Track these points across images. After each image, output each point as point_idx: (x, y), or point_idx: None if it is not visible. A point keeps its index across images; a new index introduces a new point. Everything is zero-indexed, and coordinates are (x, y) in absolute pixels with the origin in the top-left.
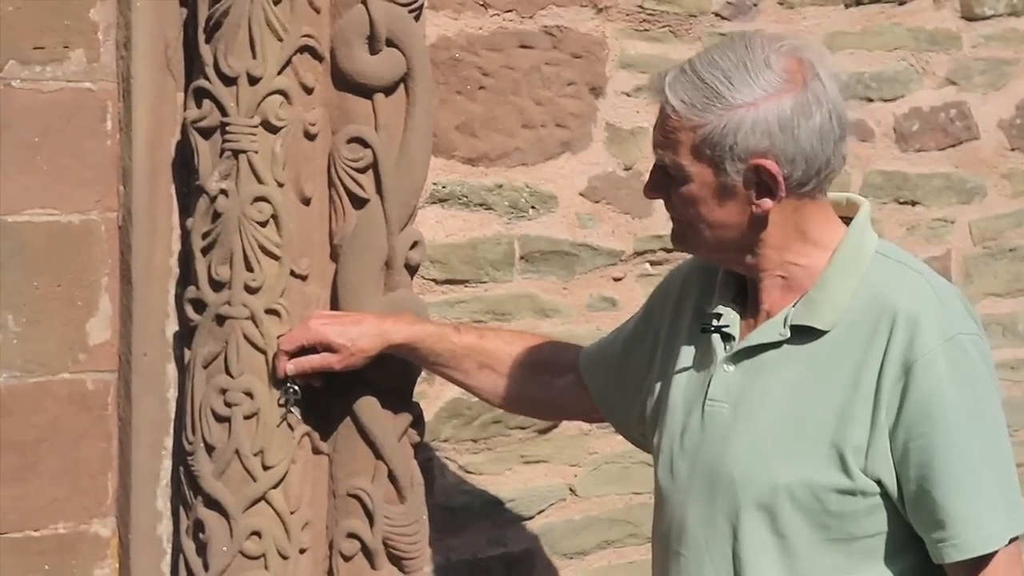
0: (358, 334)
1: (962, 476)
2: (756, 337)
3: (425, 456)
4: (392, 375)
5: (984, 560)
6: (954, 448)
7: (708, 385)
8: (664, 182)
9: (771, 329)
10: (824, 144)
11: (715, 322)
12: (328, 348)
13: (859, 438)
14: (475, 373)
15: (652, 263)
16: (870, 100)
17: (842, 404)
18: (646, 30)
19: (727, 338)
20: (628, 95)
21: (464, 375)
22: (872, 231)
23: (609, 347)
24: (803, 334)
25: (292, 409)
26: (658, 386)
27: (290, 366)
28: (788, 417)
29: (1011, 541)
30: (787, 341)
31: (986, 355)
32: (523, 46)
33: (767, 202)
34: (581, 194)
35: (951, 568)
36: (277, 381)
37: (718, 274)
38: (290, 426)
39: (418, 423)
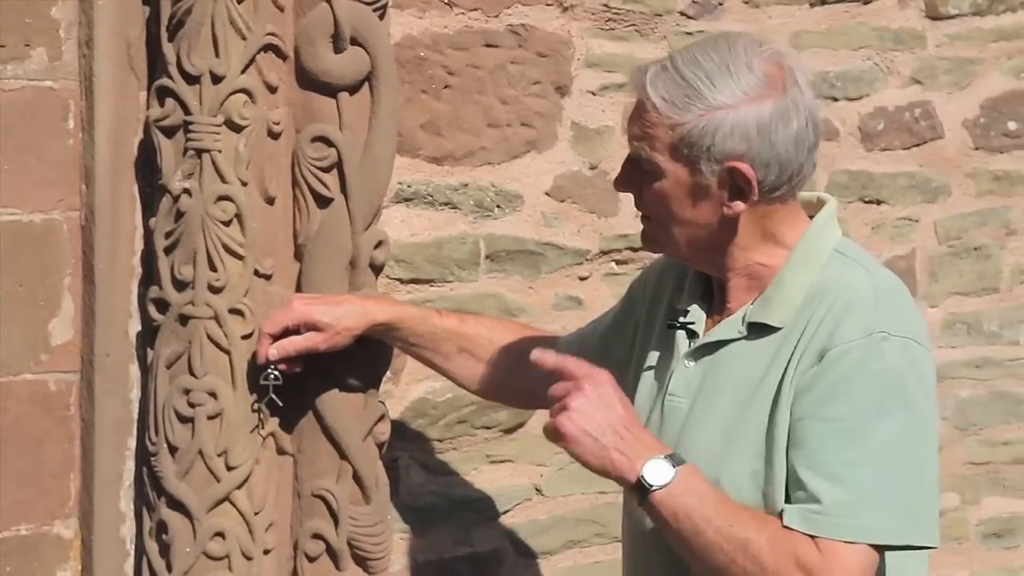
0: (342, 313)
1: (838, 467)
2: (715, 334)
3: (390, 456)
4: (357, 374)
5: (844, 546)
6: (837, 438)
7: (669, 380)
8: (636, 176)
9: (730, 326)
10: (799, 151)
11: (682, 319)
12: (312, 328)
13: (783, 426)
14: (454, 357)
15: (618, 262)
16: (835, 99)
17: (775, 395)
18: (612, 29)
19: (692, 335)
20: (594, 94)
21: (443, 359)
22: (836, 229)
23: (586, 340)
24: (759, 331)
25: (274, 396)
26: (632, 380)
27: (272, 350)
28: (734, 412)
29: (882, 548)
30: (745, 338)
31: (916, 361)
32: (488, 45)
33: (739, 204)
34: (547, 193)
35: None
36: (256, 368)
37: (688, 271)
38: (264, 415)
39: (383, 423)
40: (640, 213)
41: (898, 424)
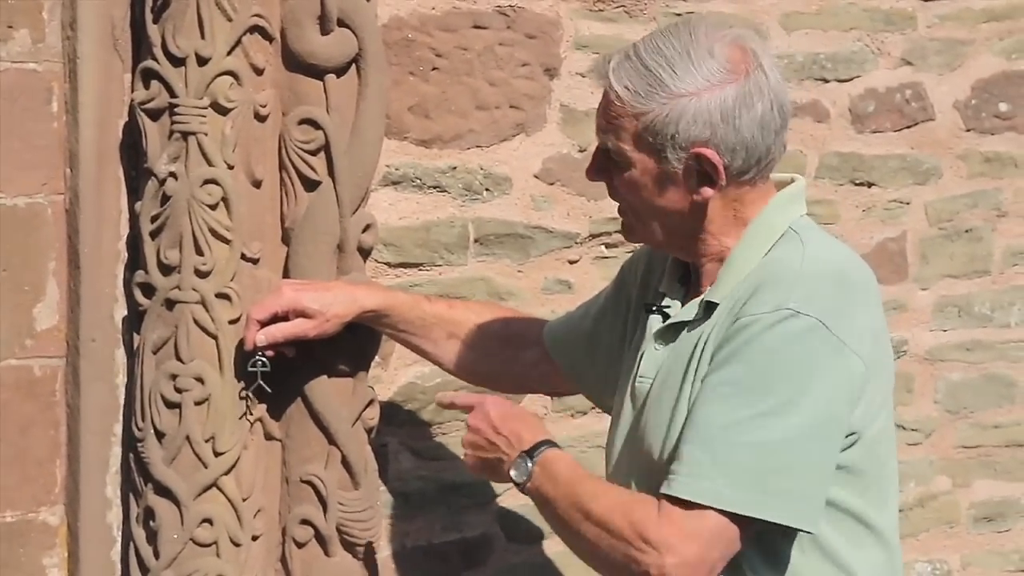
0: (331, 300)
1: (709, 429)
2: (678, 315)
3: (379, 441)
4: (346, 359)
5: (692, 507)
6: (717, 403)
7: (640, 361)
8: (606, 165)
9: (690, 308)
10: (765, 134)
11: (659, 302)
12: (301, 314)
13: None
14: (443, 343)
15: (607, 245)
16: (825, 81)
17: (697, 369)
18: (601, 10)
19: (666, 318)
20: (583, 76)
21: (432, 344)
22: (797, 208)
23: (578, 323)
24: (709, 310)
25: (261, 382)
26: (625, 360)
27: (260, 336)
28: (680, 391)
29: (741, 520)
30: (701, 319)
31: (817, 346)
32: (477, 26)
33: (707, 191)
34: (536, 176)
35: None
36: (244, 354)
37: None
38: (253, 400)
39: (372, 408)
40: (618, 205)
41: (781, 401)
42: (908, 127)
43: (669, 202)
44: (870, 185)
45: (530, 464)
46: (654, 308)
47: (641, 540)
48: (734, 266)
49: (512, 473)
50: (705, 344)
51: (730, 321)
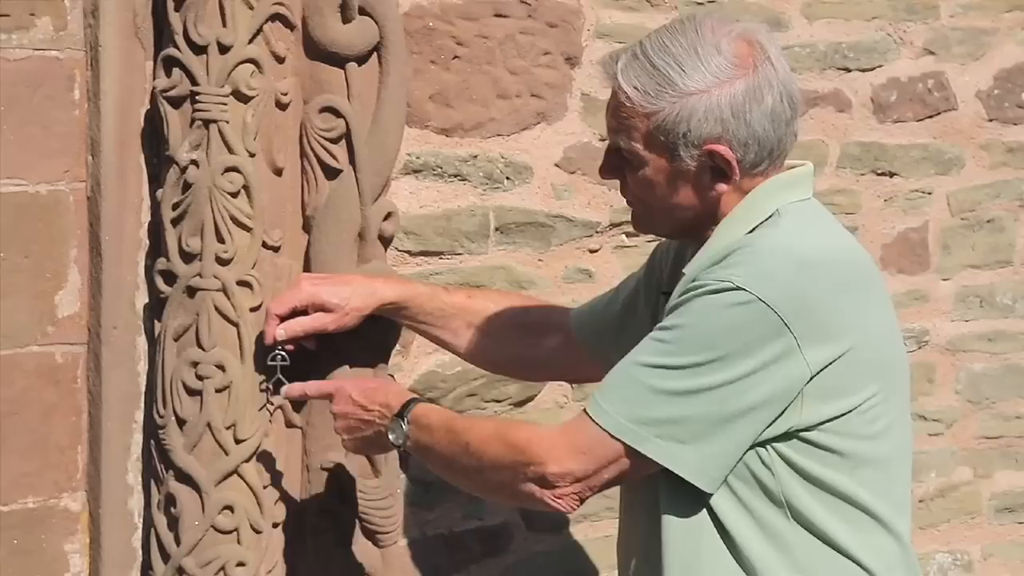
0: (350, 293)
1: (626, 365)
2: (672, 297)
3: None
4: (366, 349)
5: (592, 427)
6: (643, 344)
7: None
8: (619, 165)
9: (681, 287)
10: (776, 126)
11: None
12: (321, 308)
13: None
14: (463, 333)
15: (628, 234)
16: (847, 70)
17: None
18: None
19: None
20: None
21: (452, 335)
22: (794, 193)
23: (606, 308)
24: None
25: (281, 376)
26: None
27: (280, 331)
28: None
29: (634, 453)
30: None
31: (763, 320)
32: (498, 15)
33: (722, 186)
34: (556, 165)
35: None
36: (264, 347)
37: None
38: (273, 392)
39: None
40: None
41: (696, 360)
42: (930, 117)
43: (683, 199)
44: (892, 175)
45: (404, 424)
46: (665, 291)
47: (519, 453)
48: (712, 243)
49: (391, 438)
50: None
51: (688, 281)
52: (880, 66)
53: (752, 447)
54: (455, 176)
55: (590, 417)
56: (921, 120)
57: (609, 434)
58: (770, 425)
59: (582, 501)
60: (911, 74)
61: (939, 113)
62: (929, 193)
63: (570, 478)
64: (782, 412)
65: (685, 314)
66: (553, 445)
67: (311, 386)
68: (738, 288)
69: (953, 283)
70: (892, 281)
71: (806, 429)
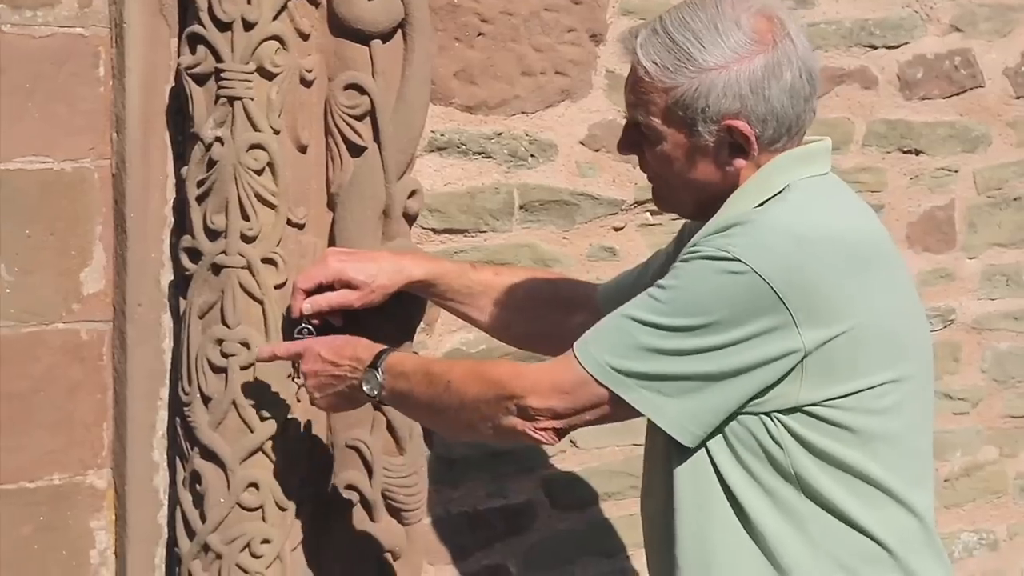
0: (377, 270)
1: (618, 316)
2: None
3: None
4: (391, 326)
5: (576, 366)
6: (639, 298)
7: None
8: (638, 140)
9: None
10: (795, 102)
11: None
12: (347, 285)
13: None
14: (490, 310)
15: (653, 212)
16: (874, 47)
17: None
18: None
19: None
20: None
21: (479, 312)
22: (808, 169)
23: (636, 280)
24: None
25: None
26: None
27: (306, 305)
28: None
29: (612, 391)
30: None
31: (753, 290)
32: None
33: (740, 161)
34: (581, 142)
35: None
36: (290, 321)
37: None
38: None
39: None
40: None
41: (685, 326)
42: (957, 94)
43: (701, 174)
44: (918, 153)
45: (379, 374)
46: None
47: (502, 388)
48: (721, 213)
49: (365, 389)
50: None
51: (691, 246)
52: (906, 43)
53: (759, 417)
54: (479, 154)
55: (578, 360)
56: (947, 97)
57: (594, 379)
58: (764, 394)
59: (562, 436)
60: (937, 51)
61: (966, 90)
62: (955, 171)
63: (550, 413)
64: (777, 382)
65: (681, 276)
66: (537, 381)
67: (280, 347)
68: (735, 259)
69: (979, 261)
70: (917, 259)
71: (812, 404)
